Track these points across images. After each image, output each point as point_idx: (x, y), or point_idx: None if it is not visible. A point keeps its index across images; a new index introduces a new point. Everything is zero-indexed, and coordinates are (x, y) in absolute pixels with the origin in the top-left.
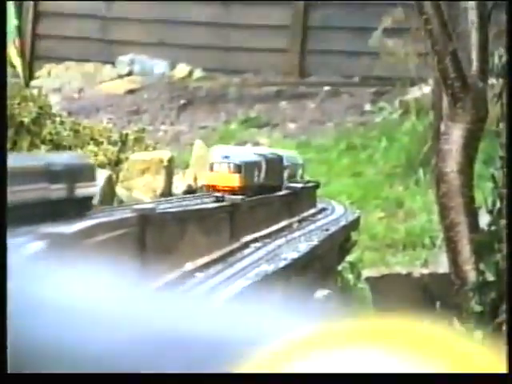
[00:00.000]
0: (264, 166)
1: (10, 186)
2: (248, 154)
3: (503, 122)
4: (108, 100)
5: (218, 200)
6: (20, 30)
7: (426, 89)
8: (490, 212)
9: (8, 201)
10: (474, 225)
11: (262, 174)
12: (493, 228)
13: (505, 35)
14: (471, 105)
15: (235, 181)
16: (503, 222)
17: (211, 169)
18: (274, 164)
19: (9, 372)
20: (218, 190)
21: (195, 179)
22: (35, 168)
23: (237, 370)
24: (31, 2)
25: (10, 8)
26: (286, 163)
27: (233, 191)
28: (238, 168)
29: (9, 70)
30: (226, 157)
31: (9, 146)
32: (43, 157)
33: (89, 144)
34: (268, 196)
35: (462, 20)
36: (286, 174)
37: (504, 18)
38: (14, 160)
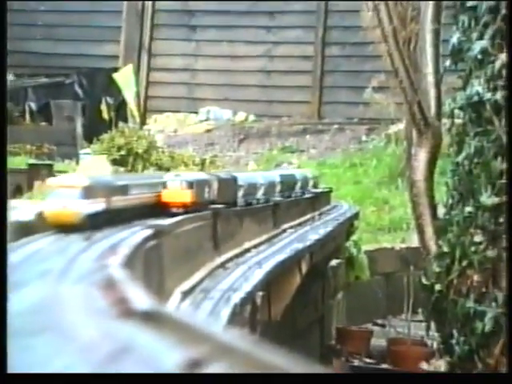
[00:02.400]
0: (216, 185)
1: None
2: (199, 174)
3: (452, 148)
4: (193, 137)
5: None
6: (138, 94)
7: (401, 126)
8: (445, 206)
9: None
10: (434, 215)
11: (214, 192)
12: (447, 217)
13: (505, 35)
14: (431, 136)
15: (187, 197)
16: (453, 212)
17: (165, 187)
18: (227, 183)
19: (9, 372)
20: (172, 206)
21: None
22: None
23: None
24: (144, 75)
25: (132, 79)
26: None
27: (185, 206)
28: (190, 185)
29: (130, 119)
30: (178, 175)
31: (129, 168)
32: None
33: (180, 166)
34: (298, 198)
35: (423, 81)
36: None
37: (451, 80)
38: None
